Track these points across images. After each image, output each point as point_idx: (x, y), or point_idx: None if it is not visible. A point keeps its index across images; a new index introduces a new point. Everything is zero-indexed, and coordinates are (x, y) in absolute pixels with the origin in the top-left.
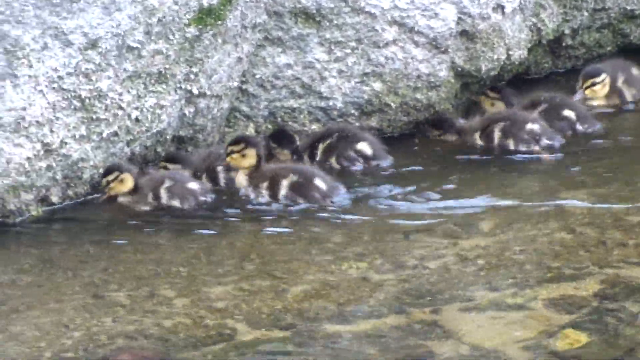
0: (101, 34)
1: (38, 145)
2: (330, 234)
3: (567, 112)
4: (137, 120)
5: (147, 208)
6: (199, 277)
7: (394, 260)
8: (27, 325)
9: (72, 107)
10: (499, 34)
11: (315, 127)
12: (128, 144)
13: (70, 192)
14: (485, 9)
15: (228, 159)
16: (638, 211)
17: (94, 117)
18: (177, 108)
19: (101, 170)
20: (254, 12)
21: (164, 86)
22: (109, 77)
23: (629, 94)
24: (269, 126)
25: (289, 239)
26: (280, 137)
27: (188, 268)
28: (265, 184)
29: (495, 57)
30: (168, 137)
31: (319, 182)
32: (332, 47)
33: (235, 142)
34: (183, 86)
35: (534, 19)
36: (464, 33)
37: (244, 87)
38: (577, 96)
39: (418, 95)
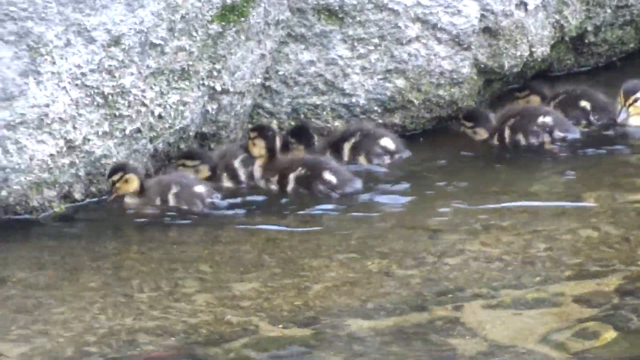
0: (124, 30)
1: (61, 142)
2: (352, 230)
3: (584, 103)
4: (160, 116)
5: (153, 210)
6: (221, 274)
7: (416, 257)
8: (49, 321)
9: (95, 103)
10: (522, 30)
11: (337, 123)
12: (151, 140)
13: (93, 189)
14: (508, 6)
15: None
16: None
17: (117, 113)
18: (200, 105)
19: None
20: (277, 9)
21: (187, 83)
22: (132, 74)
23: None
24: (292, 123)
25: (311, 236)
26: (299, 132)
27: (210, 265)
28: (276, 177)
29: (518, 54)
30: (191, 134)
31: (328, 175)
32: (355, 44)
33: (252, 128)
34: (206, 83)
35: (556, 16)
36: (486, 30)
37: (267, 83)
38: (622, 115)
39: (441, 92)
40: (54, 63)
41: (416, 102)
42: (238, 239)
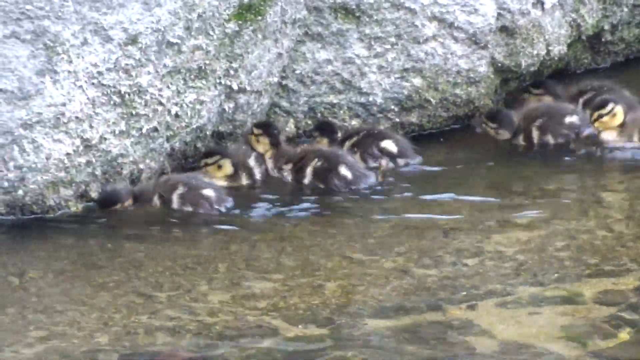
0: (141, 29)
1: (77, 141)
2: (368, 229)
3: None
4: (176, 115)
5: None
6: (237, 273)
7: (432, 256)
8: (64, 320)
9: (112, 102)
10: (539, 29)
11: (355, 122)
12: (168, 139)
13: (109, 188)
14: (525, 5)
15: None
16: None
17: (134, 112)
18: (217, 104)
19: (141, 166)
20: (294, 8)
21: (203, 82)
22: (149, 73)
23: None
24: (309, 122)
25: (327, 235)
26: (324, 126)
27: (226, 264)
28: (289, 166)
29: (535, 52)
30: (208, 133)
31: (344, 170)
32: (372, 43)
33: (257, 125)
34: (223, 82)
35: (573, 15)
36: (503, 29)
37: (283, 82)
38: (587, 130)
39: (458, 91)
40: (70, 62)
41: (433, 101)
42: (254, 238)
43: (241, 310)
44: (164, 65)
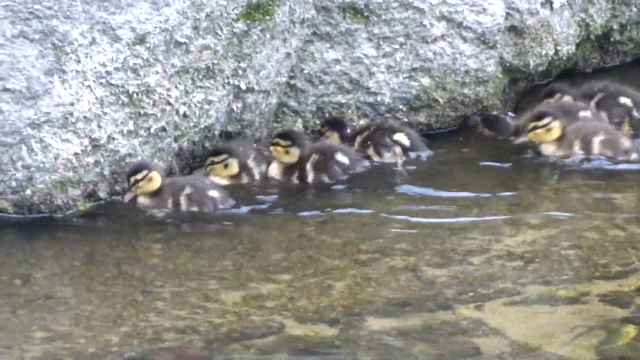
0: (149, 29)
1: (86, 141)
2: (377, 229)
3: (624, 100)
4: (185, 115)
5: (163, 213)
6: (244, 273)
7: (440, 256)
8: (72, 320)
9: (120, 102)
10: (547, 29)
11: (363, 122)
12: (176, 139)
13: (117, 188)
14: (533, 4)
15: (272, 148)
16: None
17: (142, 112)
18: (225, 103)
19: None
20: (302, 7)
21: (212, 81)
22: (157, 73)
23: None
24: (317, 121)
25: (335, 234)
26: (334, 121)
27: (234, 264)
28: (296, 174)
29: (544, 52)
30: (216, 133)
31: (341, 156)
32: (381, 43)
33: (283, 136)
34: (231, 81)
35: (582, 15)
36: (512, 28)
37: (292, 82)
38: (521, 138)
39: (466, 91)
40: (78, 62)
41: (441, 100)
42: (260, 238)
43: (250, 309)
44: (172, 65)
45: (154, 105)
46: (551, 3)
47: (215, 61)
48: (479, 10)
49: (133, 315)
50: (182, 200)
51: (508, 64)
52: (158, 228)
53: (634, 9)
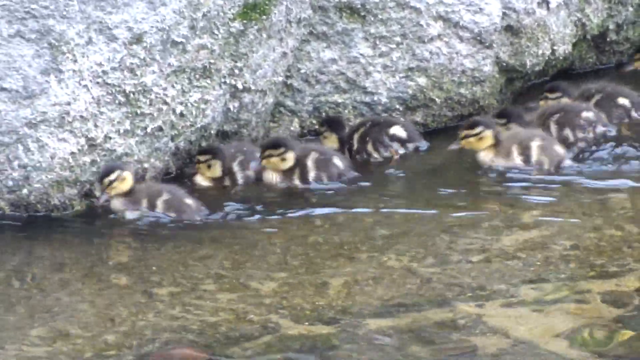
0: (146, 28)
1: (82, 140)
2: (373, 228)
3: (622, 100)
4: (181, 115)
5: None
6: (242, 273)
7: (437, 255)
8: (70, 320)
9: (117, 101)
10: (544, 29)
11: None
12: (172, 138)
13: None
14: (530, 4)
15: (264, 162)
16: None
17: (139, 111)
18: (222, 103)
19: (146, 165)
20: (299, 7)
21: (208, 81)
22: (154, 72)
23: None
24: (314, 121)
25: (331, 233)
26: (332, 121)
27: (231, 264)
28: (296, 174)
29: (540, 52)
30: (212, 132)
31: (337, 160)
32: (377, 42)
33: (274, 145)
34: (228, 81)
35: (578, 14)
36: (508, 28)
37: (288, 82)
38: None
39: (462, 90)
40: (75, 61)
41: (438, 100)
42: (256, 238)
43: (247, 308)
44: (169, 65)
45: (150, 104)
46: (547, 3)
47: (212, 61)
48: (476, 10)
49: (130, 316)
50: (160, 204)
51: (504, 64)
52: (153, 228)
53: (630, 9)
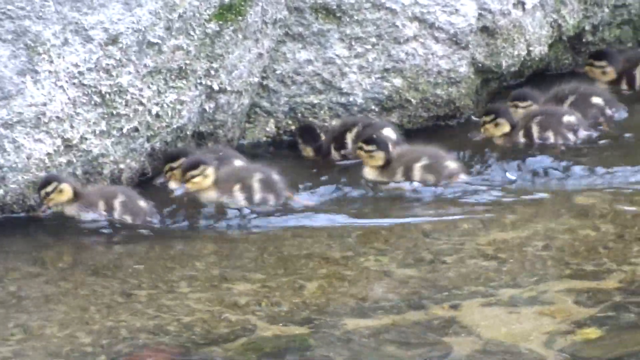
0: (122, 29)
1: (58, 141)
2: (349, 229)
3: (596, 99)
4: (157, 115)
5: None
6: (218, 274)
7: (413, 256)
8: (46, 320)
9: (93, 102)
10: (520, 30)
11: (335, 122)
12: (148, 139)
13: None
14: (505, 5)
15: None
16: None
17: (114, 112)
18: (198, 104)
19: (122, 166)
20: (275, 8)
21: (184, 82)
22: (130, 73)
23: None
24: (289, 122)
25: (307, 235)
26: (306, 132)
27: (207, 265)
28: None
29: (516, 53)
30: (188, 133)
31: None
32: (353, 43)
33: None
34: (203, 82)
35: (554, 15)
36: (484, 29)
37: (264, 82)
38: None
39: (438, 91)
40: (51, 62)
41: (414, 101)
42: (234, 239)
43: (222, 309)
44: (145, 65)
45: (126, 105)
46: (523, 4)
47: (187, 61)
48: (451, 11)
49: (107, 316)
50: (117, 205)
51: (480, 65)
52: (130, 229)
53: (606, 10)
